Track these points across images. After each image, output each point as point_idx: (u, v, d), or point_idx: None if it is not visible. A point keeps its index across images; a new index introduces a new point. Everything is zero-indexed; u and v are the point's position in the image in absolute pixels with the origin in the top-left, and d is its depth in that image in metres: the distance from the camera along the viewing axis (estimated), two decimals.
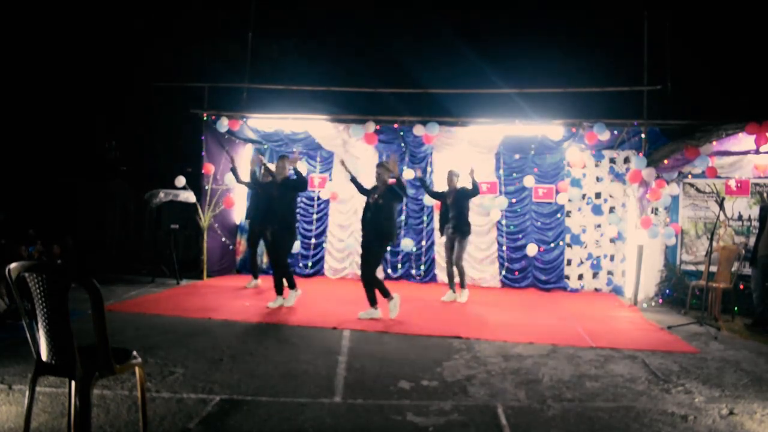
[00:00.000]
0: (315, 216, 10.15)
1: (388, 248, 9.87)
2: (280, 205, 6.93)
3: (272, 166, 8.23)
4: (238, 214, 10.13)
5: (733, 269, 7.29)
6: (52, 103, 10.98)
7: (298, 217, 10.11)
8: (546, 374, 4.55)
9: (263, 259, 9.98)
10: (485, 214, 9.53)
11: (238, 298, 7.52)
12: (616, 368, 4.78)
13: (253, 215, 8.47)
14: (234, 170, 8.17)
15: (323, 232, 10.16)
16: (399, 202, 6.85)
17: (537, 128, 8.57)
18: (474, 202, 9.64)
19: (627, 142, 8.90)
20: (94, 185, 11.07)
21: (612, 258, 9.34)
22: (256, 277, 8.53)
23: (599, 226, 9.36)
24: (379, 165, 6.75)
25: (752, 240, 7.43)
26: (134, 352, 2.98)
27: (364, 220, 6.59)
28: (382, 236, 6.48)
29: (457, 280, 7.91)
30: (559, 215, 9.49)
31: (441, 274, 9.71)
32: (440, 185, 9.69)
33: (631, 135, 8.59)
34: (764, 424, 3.61)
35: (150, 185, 9.51)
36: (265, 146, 10.30)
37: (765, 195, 8.04)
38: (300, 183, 7.00)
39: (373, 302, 6.50)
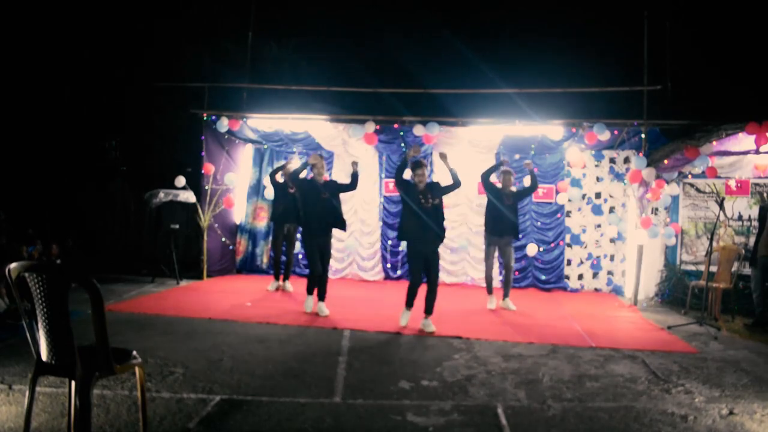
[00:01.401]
0: None
1: (389, 248, 9.92)
2: (335, 207, 6.79)
3: (295, 163, 7.90)
4: (238, 214, 10.13)
5: (733, 269, 7.29)
6: (53, 103, 10.98)
7: None
8: (546, 374, 4.55)
9: (263, 260, 9.97)
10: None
11: (238, 298, 7.51)
12: (616, 368, 4.78)
13: (280, 216, 8.07)
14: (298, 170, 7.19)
15: None
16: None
17: (537, 128, 8.57)
18: (474, 202, 9.67)
19: (627, 142, 8.90)
20: (94, 185, 11.07)
21: (612, 258, 9.34)
22: (278, 278, 8.31)
23: (599, 226, 9.36)
24: (419, 164, 6.32)
25: (752, 240, 7.44)
26: (134, 352, 2.97)
27: (426, 226, 6.15)
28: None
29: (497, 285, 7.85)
30: (559, 215, 9.49)
31: (441, 273, 9.69)
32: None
33: (631, 135, 8.59)
34: (764, 424, 3.61)
35: (150, 185, 9.50)
36: (265, 146, 10.30)
37: (765, 195, 8.04)
38: (354, 185, 6.88)
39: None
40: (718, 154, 7.83)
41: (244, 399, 3.79)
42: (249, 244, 10.20)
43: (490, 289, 7.66)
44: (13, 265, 2.63)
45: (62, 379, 3.22)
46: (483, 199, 9.41)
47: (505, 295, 7.56)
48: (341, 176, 10.01)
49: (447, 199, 9.59)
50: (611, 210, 9.29)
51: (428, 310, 6.07)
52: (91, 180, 11.15)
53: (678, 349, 5.49)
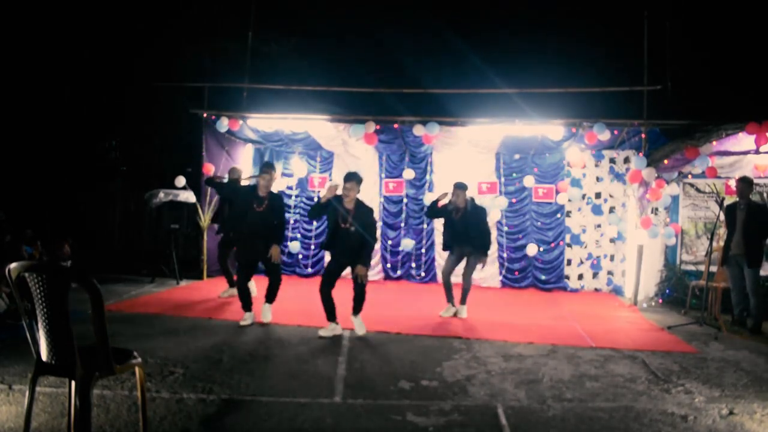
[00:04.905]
0: None
1: (389, 248, 9.92)
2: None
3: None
4: None
5: None
6: (52, 103, 10.97)
7: (298, 217, 10.14)
8: (546, 374, 4.55)
9: None
10: None
11: (238, 298, 7.50)
12: (616, 368, 4.78)
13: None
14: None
15: (323, 232, 10.15)
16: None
17: (537, 128, 8.57)
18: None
19: (627, 142, 8.90)
20: (94, 185, 11.06)
21: (612, 258, 9.34)
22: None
23: (599, 226, 9.36)
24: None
25: None
26: (134, 352, 2.97)
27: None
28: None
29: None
30: (559, 215, 9.49)
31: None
32: (440, 186, 9.69)
33: (631, 135, 8.59)
34: (764, 424, 3.61)
35: (150, 185, 9.49)
36: (265, 146, 10.30)
37: (765, 195, 8.04)
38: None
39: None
40: (718, 154, 7.83)
41: (244, 399, 3.79)
42: None
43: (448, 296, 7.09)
44: (13, 265, 2.63)
45: (62, 379, 3.22)
46: (482, 200, 9.45)
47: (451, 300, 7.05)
48: (340, 177, 10.02)
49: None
50: (611, 210, 9.29)
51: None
52: (91, 180, 11.13)
53: (678, 349, 5.49)
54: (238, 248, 6.48)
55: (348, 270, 5.72)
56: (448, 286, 7.01)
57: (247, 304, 6.08)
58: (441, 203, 6.86)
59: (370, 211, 5.83)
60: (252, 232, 6.00)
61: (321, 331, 5.66)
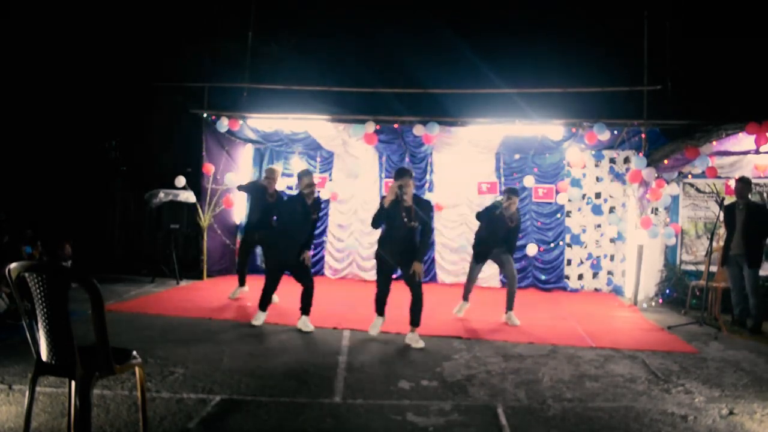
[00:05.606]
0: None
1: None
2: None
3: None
4: (238, 214, 10.13)
5: None
6: (52, 103, 10.96)
7: None
8: (546, 374, 4.56)
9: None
10: None
11: (238, 298, 7.52)
12: (616, 368, 4.79)
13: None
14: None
15: (323, 232, 10.16)
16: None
17: (537, 128, 8.57)
18: (474, 202, 9.66)
19: (627, 142, 8.91)
20: (93, 185, 11.05)
21: (612, 258, 9.34)
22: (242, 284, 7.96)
23: (599, 226, 9.37)
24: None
25: None
26: (134, 352, 2.97)
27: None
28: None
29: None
30: (559, 215, 9.49)
31: (441, 273, 9.72)
32: (440, 185, 9.70)
33: (631, 135, 8.60)
34: (764, 424, 3.61)
35: (150, 185, 9.49)
36: (265, 146, 10.30)
37: (765, 195, 8.04)
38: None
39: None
40: (718, 154, 7.83)
41: (244, 399, 3.79)
42: None
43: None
44: (13, 265, 2.63)
45: (62, 379, 3.22)
46: (482, 200, 9.45)
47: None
48: (340, 176, 10.05)
49: (447, 200, 9.64)
50: (611, 210, 9.30)
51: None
52: (91, 180, 11.13)
53: (678, 349, 5.49)
54: (273, 255, 6.36)
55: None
56: (468, 291, 6.94)
57: (265, 304, 6.09)
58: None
59: (430, 204, 5.70)
60: (300, 242, 5.94)
61: (371, 330, 5.73)
